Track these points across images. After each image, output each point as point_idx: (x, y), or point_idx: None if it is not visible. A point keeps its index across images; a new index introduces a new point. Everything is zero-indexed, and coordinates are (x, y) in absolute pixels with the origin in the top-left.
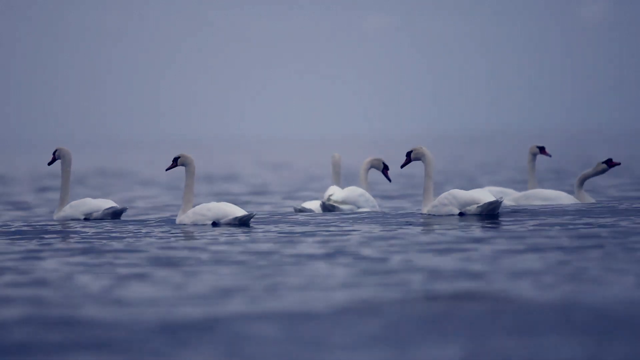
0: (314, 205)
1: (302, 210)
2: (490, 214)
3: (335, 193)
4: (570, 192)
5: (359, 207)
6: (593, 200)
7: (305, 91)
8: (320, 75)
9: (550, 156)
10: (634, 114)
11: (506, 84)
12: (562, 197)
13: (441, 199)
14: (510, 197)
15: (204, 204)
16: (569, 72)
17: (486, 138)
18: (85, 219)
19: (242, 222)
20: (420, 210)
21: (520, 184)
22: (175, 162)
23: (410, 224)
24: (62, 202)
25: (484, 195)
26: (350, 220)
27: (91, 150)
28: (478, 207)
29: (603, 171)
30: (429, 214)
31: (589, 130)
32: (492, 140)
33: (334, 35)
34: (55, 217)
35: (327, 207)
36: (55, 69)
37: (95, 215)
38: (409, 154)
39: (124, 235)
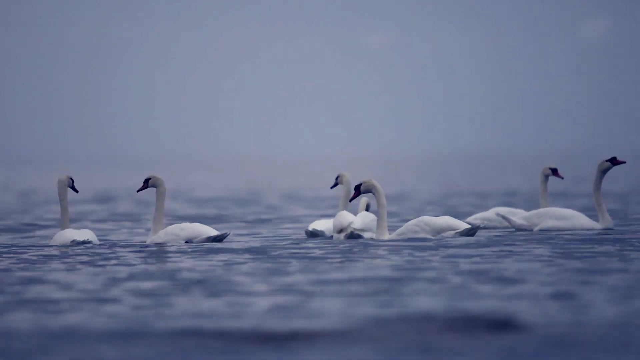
0: (325, 225)
1: (314, 233)
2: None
3: (355, 221)
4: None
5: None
6: (611, 222)
7: (307, 110)
8: (323, 92)
9: (562, 178)
10: (635, 135)
11: (510, 103)
12: (576, 216)
13: (409, 226)
14: (519, 215)
15: (177, 224)
16: (578, 91)
17: (497, 157)
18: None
19: (216, 240)
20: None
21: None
22: (146, 183)
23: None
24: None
25: (459, 222)
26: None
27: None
28: (456, 233)
29: (608, 169)
30: (391, 240)
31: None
32: (506, 160)
33: (339, 51)
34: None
35: (351, 236)
36: (49, 80)
37: (68, 245)
38: (357, 187)
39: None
